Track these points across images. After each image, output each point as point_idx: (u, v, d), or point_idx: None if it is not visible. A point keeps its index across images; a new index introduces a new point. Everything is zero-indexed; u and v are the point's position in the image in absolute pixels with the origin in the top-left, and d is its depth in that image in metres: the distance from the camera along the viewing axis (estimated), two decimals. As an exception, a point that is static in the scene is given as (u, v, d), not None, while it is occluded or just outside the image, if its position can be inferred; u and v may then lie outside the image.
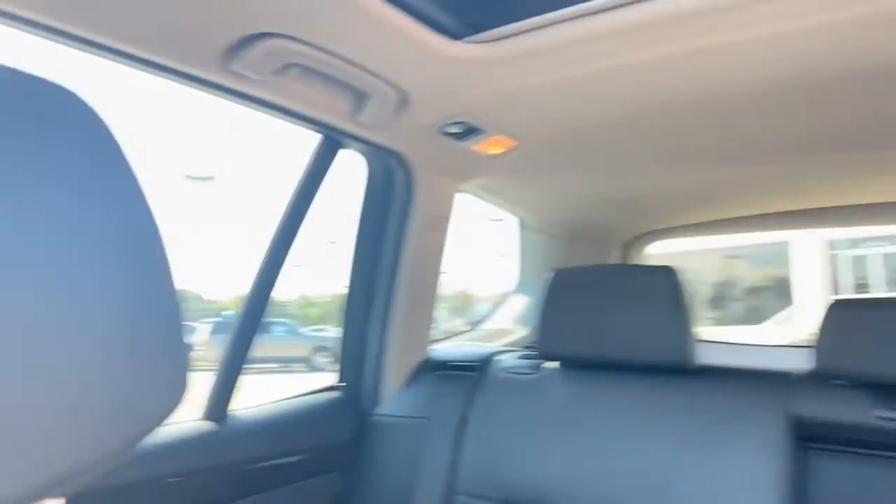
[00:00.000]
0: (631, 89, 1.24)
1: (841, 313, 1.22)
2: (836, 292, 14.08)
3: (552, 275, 1.47)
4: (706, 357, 2.18)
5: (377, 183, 1.61)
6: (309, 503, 1.48)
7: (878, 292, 13.88)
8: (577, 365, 1.45)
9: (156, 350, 0.35)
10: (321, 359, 7.68)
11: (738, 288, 16.28)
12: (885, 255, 13.87)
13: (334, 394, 1.61)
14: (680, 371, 1.33)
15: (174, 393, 0.36)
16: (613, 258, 2.36)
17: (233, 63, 1.03)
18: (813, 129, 1.44)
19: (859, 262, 14.16)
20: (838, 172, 1.74)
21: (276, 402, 1.48)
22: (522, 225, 2.23)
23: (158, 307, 0.36)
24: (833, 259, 14.46)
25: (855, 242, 13.74)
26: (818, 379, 1.23)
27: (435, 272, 1.71)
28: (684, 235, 2.35)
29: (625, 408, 1.35)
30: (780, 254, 15.04)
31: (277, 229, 1.39)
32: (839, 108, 1.31)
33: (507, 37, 1.10)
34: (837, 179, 1.80)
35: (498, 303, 2.39)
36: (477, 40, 1.12)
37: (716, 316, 15.85)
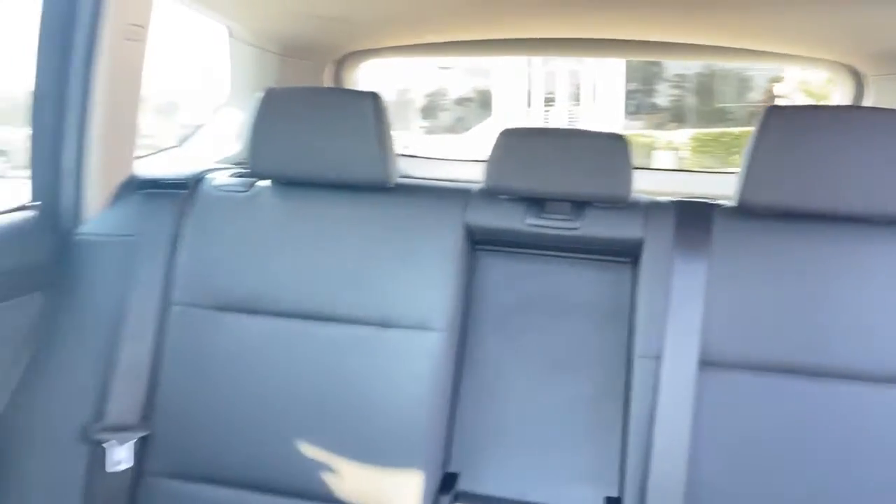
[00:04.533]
0: None
1: (506, 140, 1.47)
2: (529, 104, 15.63)
3: (263, 94, 1.50)
4: (410, 170, 2.41)
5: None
6: (11, 322, 1.44)
7: (563, 105, 15.71)
8: (287, 183, 1.54)
9: None
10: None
11: (447, 98, 17.24)
12: (570, 72, 15.54)
13: (29, 213, 1.52)
14: (380, 189, 1.48)
15: None
16: (328, 75, 2.39)
17: None
18: None
19: (550, 77, 15.70)
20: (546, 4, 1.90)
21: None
22: (233, 37, 2.14)
23: None
24: (528, 75, 15.82)
25: (547, 60, 15.11)
26: (488, 194, 1.48)
27: (135, 86, 1.61)
28: (394, 56, 2.45)
29: (331, 222, 1.50)
30: (487, 68, 16.03)
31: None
32: None
33: None
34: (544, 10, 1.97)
35: (207, 119, 2.32)
36: None
37: (427, 125, 16.76)
